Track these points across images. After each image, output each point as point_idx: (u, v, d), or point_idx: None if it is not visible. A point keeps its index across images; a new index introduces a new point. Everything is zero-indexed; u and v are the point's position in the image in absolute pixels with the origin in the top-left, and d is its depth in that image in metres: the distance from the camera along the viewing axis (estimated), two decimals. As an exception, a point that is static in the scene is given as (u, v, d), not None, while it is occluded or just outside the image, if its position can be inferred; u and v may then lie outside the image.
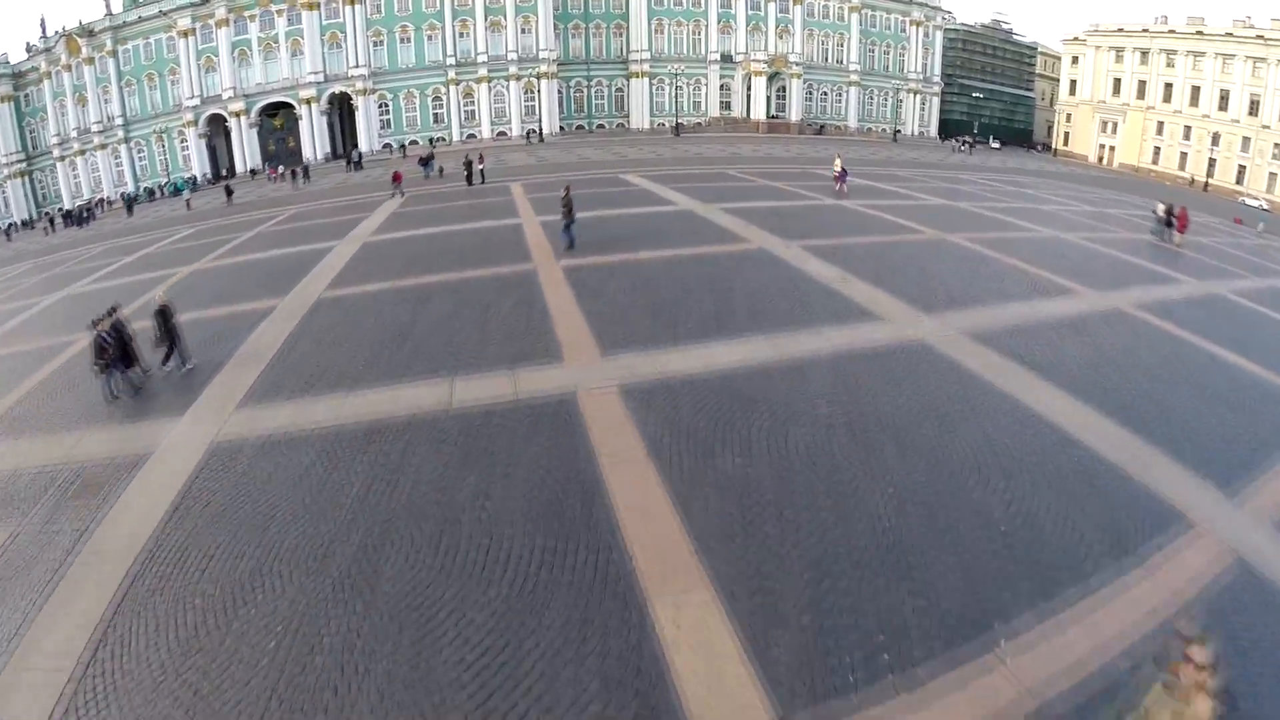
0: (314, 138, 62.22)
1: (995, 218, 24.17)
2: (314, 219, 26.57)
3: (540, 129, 62.47)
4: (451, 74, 63.50)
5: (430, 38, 63.26)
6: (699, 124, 70.86)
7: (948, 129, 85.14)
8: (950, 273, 15.67)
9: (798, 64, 67.82)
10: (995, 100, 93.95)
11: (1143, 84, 74.79)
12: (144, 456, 8.99)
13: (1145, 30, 74.36)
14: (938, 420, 8.87)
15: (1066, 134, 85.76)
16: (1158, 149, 73.66)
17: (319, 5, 60.92)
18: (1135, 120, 74.78)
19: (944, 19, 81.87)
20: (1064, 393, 10.00)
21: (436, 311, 13.12)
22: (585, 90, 70.53)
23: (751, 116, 68.12)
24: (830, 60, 75.72)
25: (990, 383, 10.05)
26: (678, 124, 64.22)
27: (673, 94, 69.46)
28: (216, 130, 63.44)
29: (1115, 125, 76.52)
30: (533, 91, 64.97)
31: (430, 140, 63.28)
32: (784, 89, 70.27)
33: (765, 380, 9.54)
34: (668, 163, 38.59)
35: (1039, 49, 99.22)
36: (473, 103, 64.81)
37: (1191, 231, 25.88)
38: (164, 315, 11.74)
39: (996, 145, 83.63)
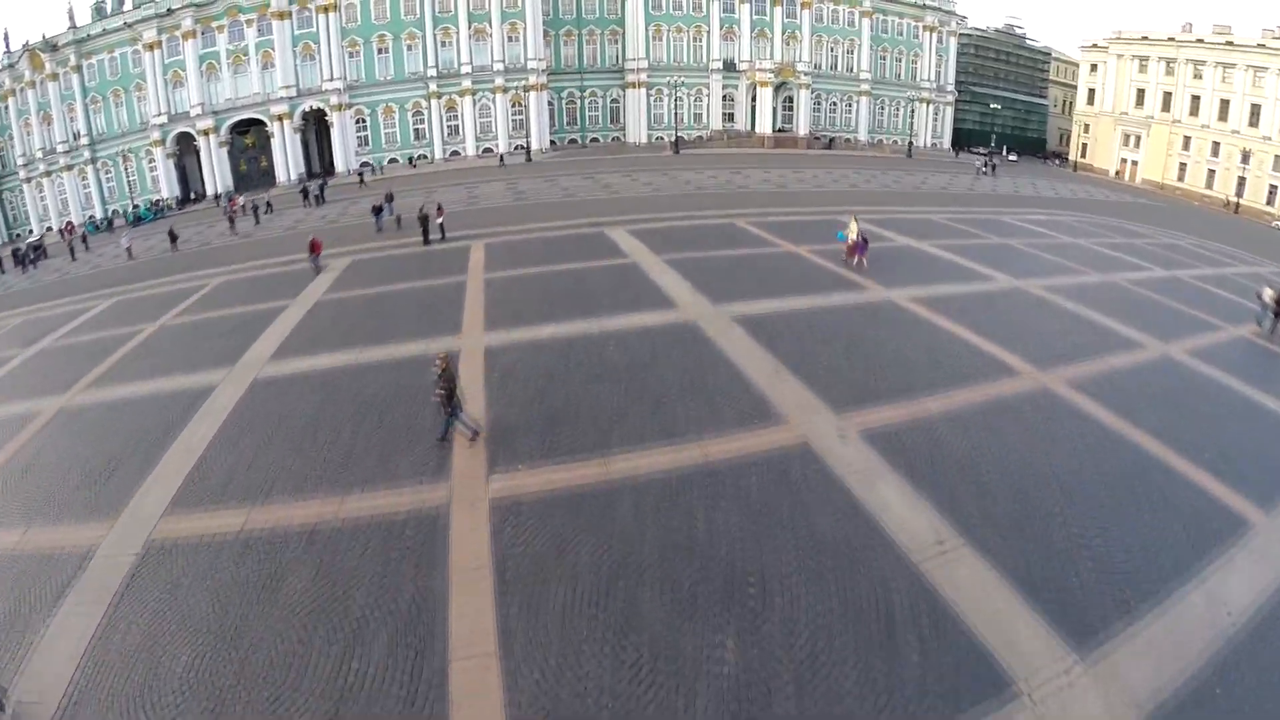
0: (287, 156, 55.98)
1: (1082, 317, 18.34)
2: (223, 307, 20.72)
3: (529, 146, 56.14)
4: (433, 87, 56.99)
5: (410, 47, 56.68)
6: (700, 137, 64.41)
7: (959, 138, 78.82)
8: (1096, 503, 10.05)
9: (806, 73, 61.30)
10: (1008, 108, 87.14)
11: (1168, 96, 68.22)
12: None
13: (1171, 39, 67.63)
14: None
15: (1085, 145, 79.25)
16: (1184, 165, 67.35)
17: (290, 14, 54.39)
18: (1160, 134, 68.37)
19: (958, 24, 75.00)
20: None
21: (278, 631, 7.63)
22: (578, 101, 63.90)
23: (757, 130, 61.71)
24: (840, 68, 68.97)
25: None
26: (677, 140, 57.84)
27: (672, 105, 62.93)
28: (186, 149, 57.24)
29: (1138, 139, 70.12)
30: (521, 105, 58.59)
31: (410, 160, 57.10)
32: (791, 99, 63.82)
33: None
34: (664, 205, 32.37)
35: (1052, 54, 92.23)
36: (456, 117, 58.39)
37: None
38: None
39: (1013, 158, 77.49)
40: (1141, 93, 70.01)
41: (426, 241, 25.16)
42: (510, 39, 57.59)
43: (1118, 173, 71.21)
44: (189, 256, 31.68)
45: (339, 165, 56.97)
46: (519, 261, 22.33)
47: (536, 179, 42.87)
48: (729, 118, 65.77)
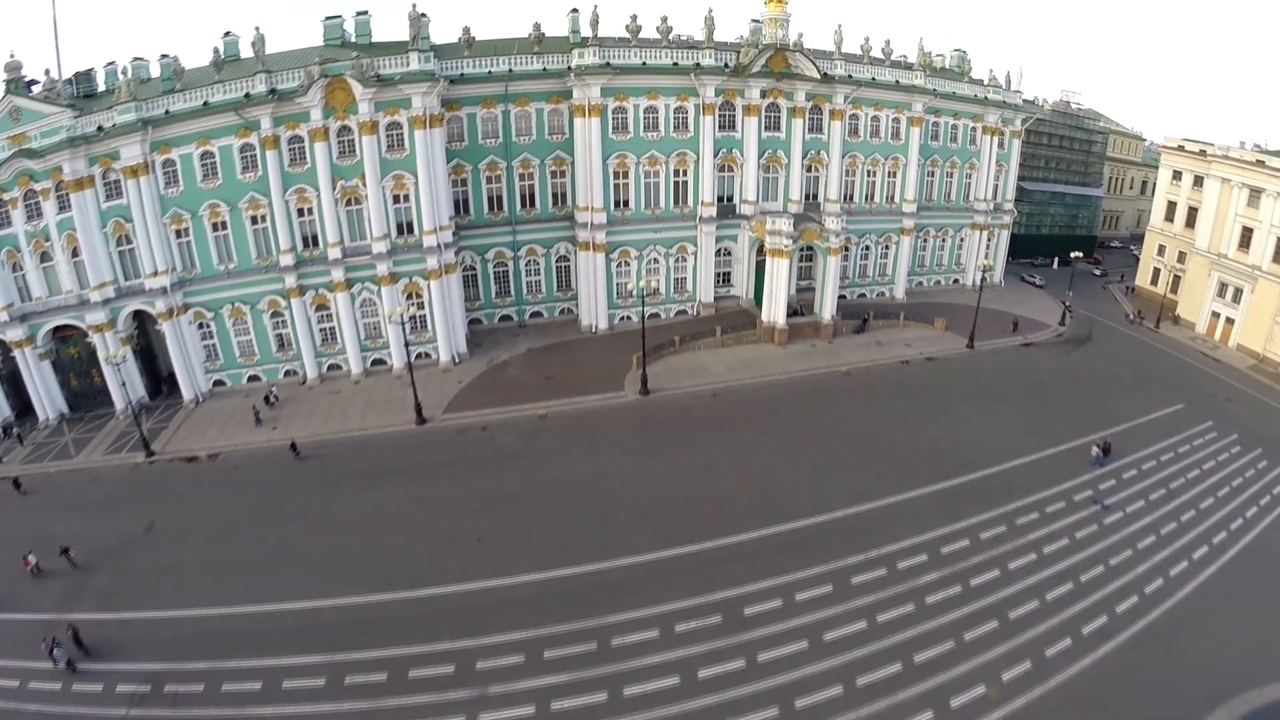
0: (120, 375, 35.97)
1: None
2: None
3: (417, 406, 34.66)
4: (290, 281, 36.85)
5: (255, 220, 36.21)
6: (684, 313, 45.75)
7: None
8: None
9: (837, 233, 42.72)
10: (1057, 203, 70.58)
11: (1285, 243, 52.93)
12: None
13: (1301, 167, 51.62)
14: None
15: (1156, 272, 63.85)
16: (1295, 339, 52.94)
17: (93, 180, 33.51)
18: (1269, 293, 53.24)
19: (1023, 122, 56.74)
20: None
21: None
22: (510, 263, 44.05)
23: (765, 316, 43.29)
24: (878, 198, 50.30)
25: None
26: (645, 370, 37.14)
27: (642, 272, 43.95)
28: (8, 358, 36.88)
29: (1238, 293, 54.99)
30: (420, 296, 38.76)
31: (269, 397, 36.87)
32: (811, 252, 45.47)
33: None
34: None
35: (1109, 130, 75.40)
36: (330, 318, 38.48)
37: None
38: None
39: (1098, 271, 68.55)
40: (1249, 233, 54.27)
41: None
42: (397, 199, 36.99)
43: (1209, 329, 56.25)
44: None
45: (184, 390, 37.70)
46: None
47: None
48: (724, 280, 47.05)
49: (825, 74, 44.57)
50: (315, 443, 33.78)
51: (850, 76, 46.16)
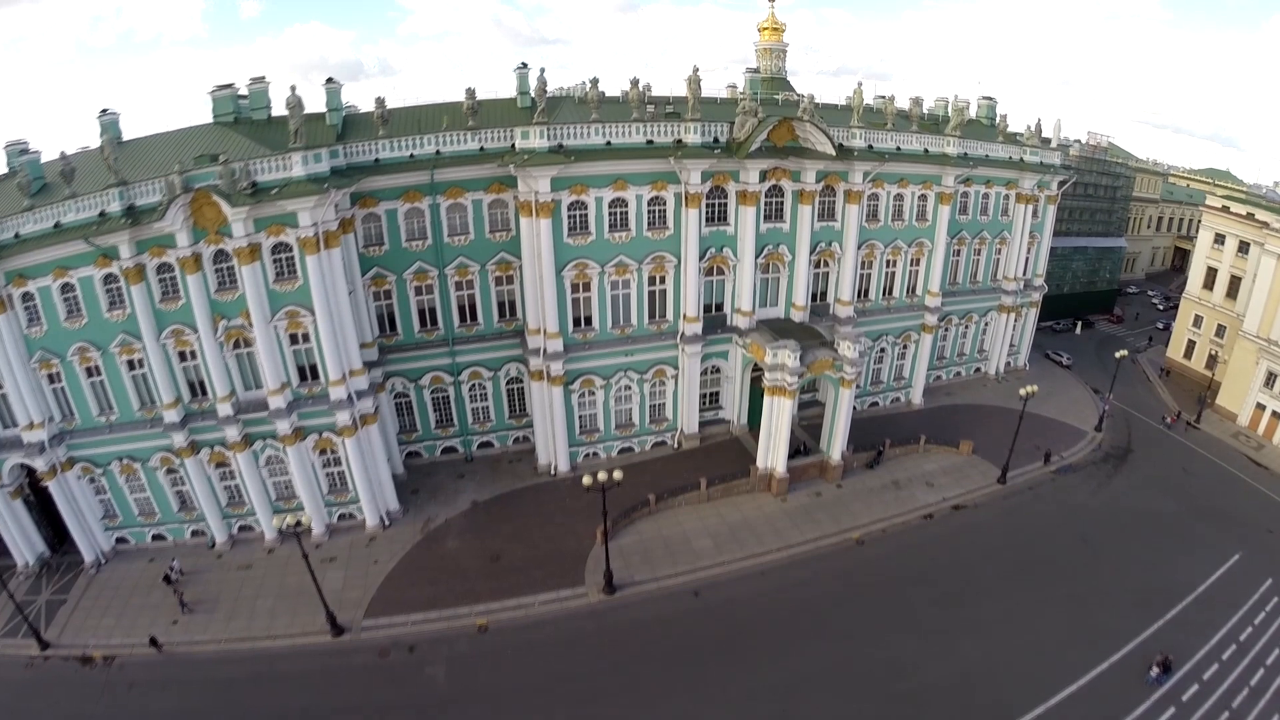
0: (14, 535, 29.68)
1: None
2: None
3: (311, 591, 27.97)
4: (180, 440, 28.84)
5: (133, 365, 28.16)
6: (663, 444, 37.82)
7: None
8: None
9: (854, 360, 33.80)
10: (1079, 256, 63.17)
11: (1351, 336, 46.33)
12: None
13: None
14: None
15: (1190, 344, 57.18)
16: (1353, 442, 46.88)
17: None
18: (1328, 391, 47.05)
19: (1059, 185, 48.72)
20: None
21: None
22: (450, 389, 35.82)
23: (762, 465, 34.83)
24: (899, 291, 42.42)
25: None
26: (609, 576, 28.35)
27: (609, 403, 36.32)
28: None
29: (1292, 386, 48.57)
30: (332, 453, 30.83)
31: (170, 574, 29.09)
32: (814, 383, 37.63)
33: None
34: None
35: (1135, 170, 67.67)
36: (232, 474, 30.57)
37: None
38: None
39: (1162, 323, 63.45)
40: (1309, 320, 47.65)
41: None
42: (295, 339, 28.70)
43: (1252, 422, 49.87)
44: None
45: (84, 551, 30.53)
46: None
47: None
48: (712, 403, 39.23)
49: (840, 146, 36.20)
50: (215, 656, 26.46)
51: (871, 148, 37.67)
